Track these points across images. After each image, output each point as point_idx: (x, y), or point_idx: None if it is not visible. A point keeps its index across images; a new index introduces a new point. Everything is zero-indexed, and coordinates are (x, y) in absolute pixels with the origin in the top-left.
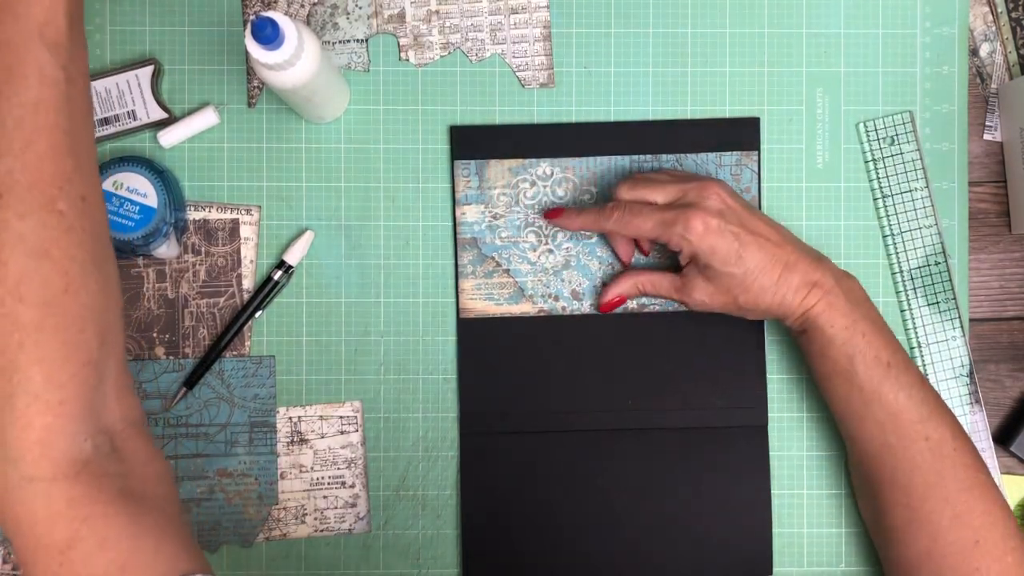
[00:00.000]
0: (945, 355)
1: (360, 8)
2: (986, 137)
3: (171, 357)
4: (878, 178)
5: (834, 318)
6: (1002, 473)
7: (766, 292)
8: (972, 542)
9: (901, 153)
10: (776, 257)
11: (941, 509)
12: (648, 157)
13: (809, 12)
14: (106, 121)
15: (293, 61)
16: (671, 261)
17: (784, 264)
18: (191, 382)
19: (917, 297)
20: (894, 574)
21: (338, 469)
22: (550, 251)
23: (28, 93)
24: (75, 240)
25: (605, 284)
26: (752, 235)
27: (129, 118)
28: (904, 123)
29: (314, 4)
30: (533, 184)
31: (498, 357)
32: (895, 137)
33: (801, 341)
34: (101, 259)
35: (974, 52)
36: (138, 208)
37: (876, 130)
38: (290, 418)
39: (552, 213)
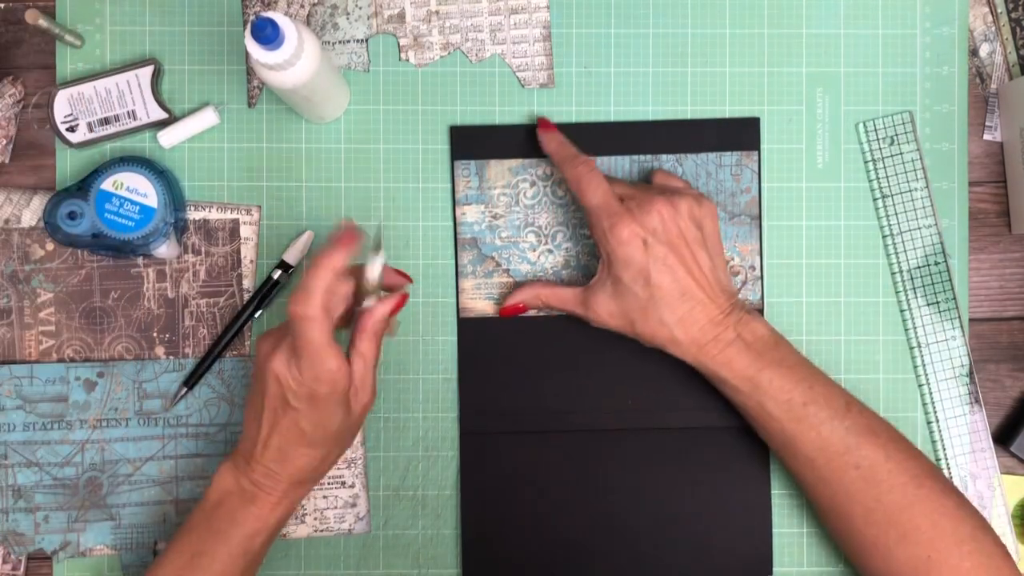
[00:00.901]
0: (945, 355)
1: (360, 8)
2: (986, 137)
3: (171, 357)
4: (878, 178)
5: (735, 371)
6: (1002, 473)
7: (663, 327)
8: (924, 558)
9: (901, 153)
10: (686, 294)
11: (886, 532)
12: (648, 157)
13: (809, 12)
14: (106, 121)
15: (293, 61)
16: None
17: (691, 306)
18: (191, 382)
19: (917, 297)
20: None
21: (338, 469)
22: (550, 251)
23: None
24: None
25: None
26: (672, 264)
27: (129, 118)
28: (904, 123)
29: (314, 4)
30: (533, 184)
31: (498, 357)
32: (894, 137)
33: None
34: None
35: (974, 52)
36: (138, 208)
37: (876, 130)
38: None
39: (546, 126)
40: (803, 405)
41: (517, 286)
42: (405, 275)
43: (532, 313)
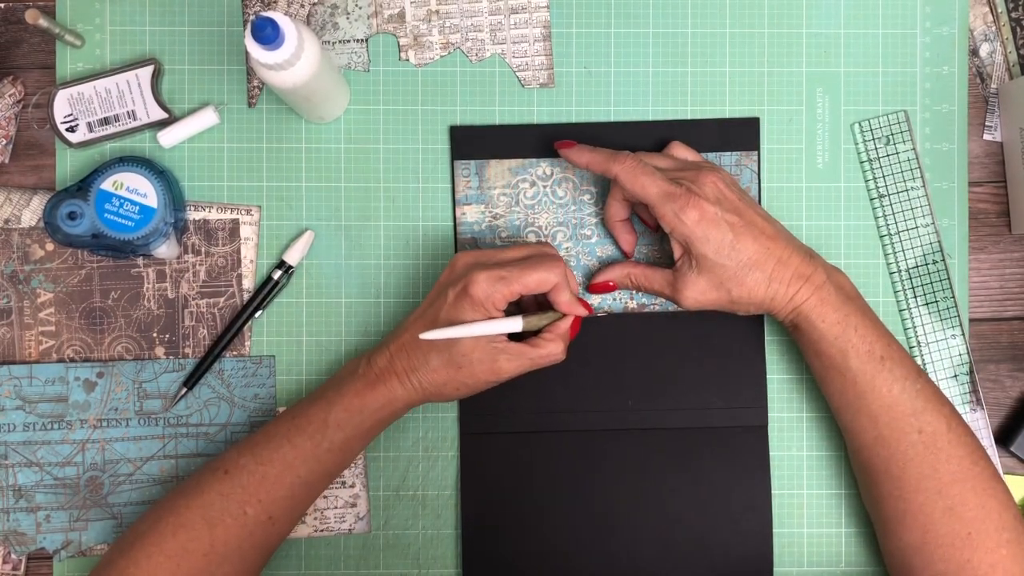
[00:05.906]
0: (945, 355)
1: (360, 8)
2: (986, 137)
3: (171, 357)
4: (874, 178)
5: (825, 313)
6: (1003, 473)
7: (759, 286)
8: (964, 535)
9: (897, 153)
10: (769, 251)
11: (933, 501)
12: None
13: (809, 12)
14: (106, 121)
15: (293, 61)
16: (669, 261)
17: (777, 259)
18: (191, 382)
19: (915, 296)
20: (890, 561)
21: None
22: None
23: (294, 451)
24: (236, 535)
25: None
26: (747, 226)
27: (129, 118)
28: (899, 122)
29: (314, 4)
30: (533, 184)
31: None
32: (890, 137)
33: (795, 336)
34: (251, 550)
35: (974, 52)
36: (138, 208)
37: (871, 130)
38: None
39: (564, 144)
40: (881, 360)
41: (607, 264)
42: (587, 306)
43: None
